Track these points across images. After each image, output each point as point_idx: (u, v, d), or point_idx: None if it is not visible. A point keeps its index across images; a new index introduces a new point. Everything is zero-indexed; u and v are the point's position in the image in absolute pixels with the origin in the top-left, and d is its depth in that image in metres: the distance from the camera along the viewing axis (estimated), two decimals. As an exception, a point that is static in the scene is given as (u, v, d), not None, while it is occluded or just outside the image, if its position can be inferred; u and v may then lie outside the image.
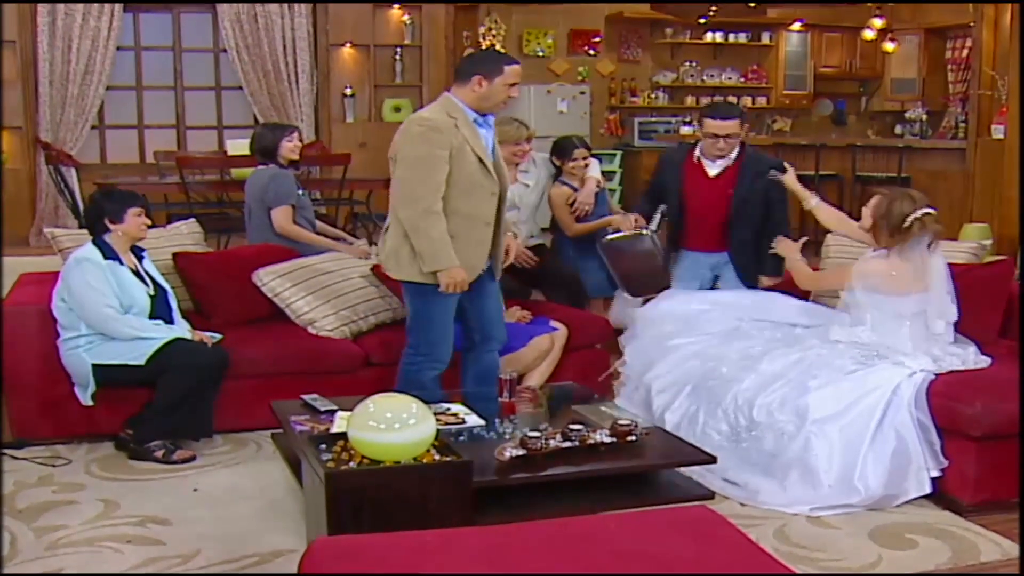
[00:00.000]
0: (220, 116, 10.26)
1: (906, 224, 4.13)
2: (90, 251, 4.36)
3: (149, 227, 4.52)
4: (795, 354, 4.18)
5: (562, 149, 5.82)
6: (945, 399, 3.84)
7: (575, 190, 5.77)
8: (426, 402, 3.16)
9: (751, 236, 5.15)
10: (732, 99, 12.21)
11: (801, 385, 3.99)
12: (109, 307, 4.27)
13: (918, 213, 4.14)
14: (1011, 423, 3.75)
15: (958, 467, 3.81)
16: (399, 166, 4.09)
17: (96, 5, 9.23)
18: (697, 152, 5.23)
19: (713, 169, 5.18)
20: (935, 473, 3.82)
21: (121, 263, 4.38)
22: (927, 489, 3.81)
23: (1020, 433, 3.75)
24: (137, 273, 4.45)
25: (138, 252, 4.53)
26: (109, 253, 4.36)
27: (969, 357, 4.13)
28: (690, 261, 5.32)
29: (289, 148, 5.62)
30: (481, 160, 4.09)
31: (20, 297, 4.80)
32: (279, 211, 5.47)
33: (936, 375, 3.96)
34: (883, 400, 3.87)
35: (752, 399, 4.03)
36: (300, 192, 5.63)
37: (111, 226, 4.38)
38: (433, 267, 4.04)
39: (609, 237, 5.33)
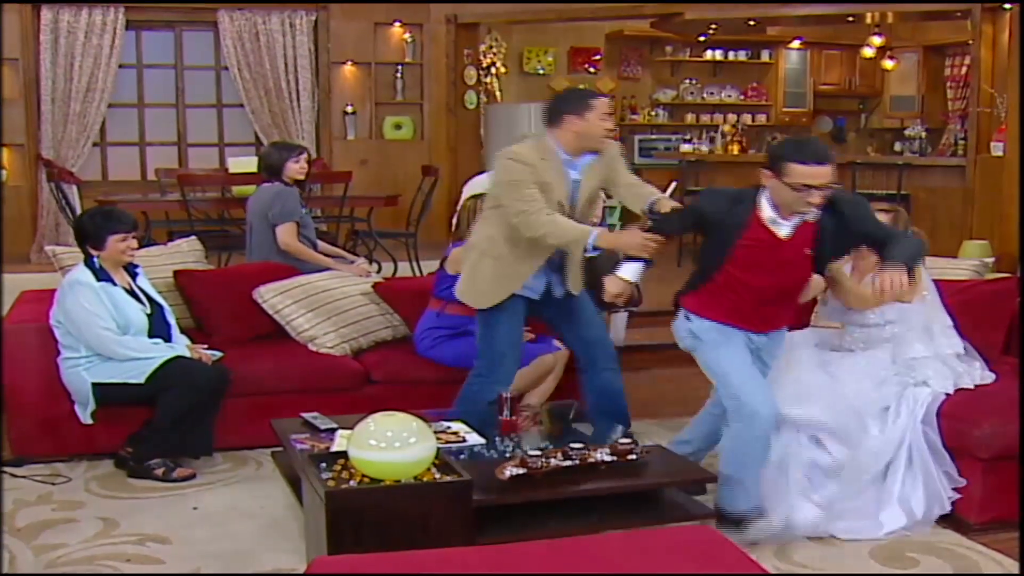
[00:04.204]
0: (221, 133, 10.26)
1: None
2: (82, 273, 4.35)
3: (147, 245, 4.53)
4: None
5: None
6: (953, 420, 3.83)
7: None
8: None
9: None
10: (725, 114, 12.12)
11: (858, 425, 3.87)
12: (106, 329, 4.26)
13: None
14: (1018, 444, 3.74)
15: (965, 487, 3.81)
16: (495, 196, 4.06)
17: (98, 23, 9.26)
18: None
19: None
20: (952, 495, 3.81)
21: (114, 283, 4.37)
22: (947, 508, 3.80)
23: (1020, 454, 3.74)
24: (132, 292, 4.45)
25: (132, 269, 4.53)
26: (102, 275, 4.35)
27: (976, 372, 4.11)
28: None
29: (295, 169, 5.64)
30: (561, 204, 4.02)
31: (21, 315, 4.80)
32: (284, 227, 5.48)
33: (947, 395, 3.93)
34: (909, 425, 3.85)
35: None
36: (304, 210, 5.64)
37: (92, 252, 4.39)
38: (594, 243, 3.88)
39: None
